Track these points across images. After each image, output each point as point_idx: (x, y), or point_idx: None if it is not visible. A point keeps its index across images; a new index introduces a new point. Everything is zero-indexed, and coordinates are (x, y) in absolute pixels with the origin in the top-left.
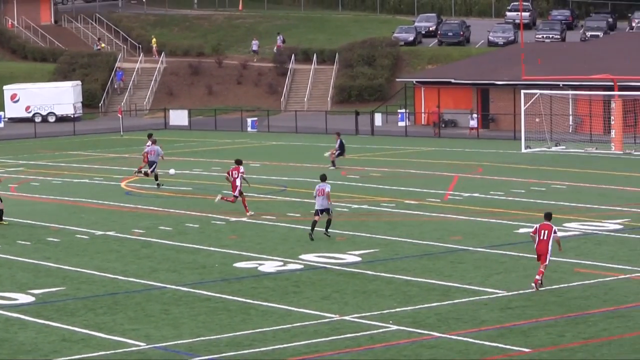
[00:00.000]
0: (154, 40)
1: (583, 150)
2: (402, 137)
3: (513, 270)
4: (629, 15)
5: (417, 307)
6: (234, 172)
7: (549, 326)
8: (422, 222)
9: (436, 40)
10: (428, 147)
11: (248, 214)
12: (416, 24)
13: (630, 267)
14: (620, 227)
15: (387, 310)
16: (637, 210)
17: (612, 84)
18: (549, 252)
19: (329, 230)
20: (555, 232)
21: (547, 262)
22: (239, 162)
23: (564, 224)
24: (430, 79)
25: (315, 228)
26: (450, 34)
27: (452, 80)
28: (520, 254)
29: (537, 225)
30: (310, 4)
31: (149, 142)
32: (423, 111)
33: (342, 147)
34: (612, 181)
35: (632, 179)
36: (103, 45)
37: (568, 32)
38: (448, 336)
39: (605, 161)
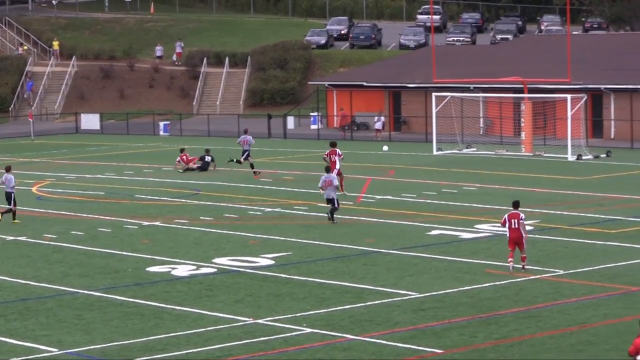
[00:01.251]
0: (55, 43)
1: (494, 153)
2: (315, 140)
3: (425, 272)
4: (538, 18)
5: (330, 309)
6: (331, 155)
7: (461, 327)
8: (335, 224)
9: (348, 44)
10: (340, 149)
11: (342, 192)
12: (328, 27)
13: (540, 268)
14: (530, 228)
15: (301, 313)
16: (547, 212)
17: (522, 86)
18: (524, 237)
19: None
20: (522, 219)
21: (525, 247)
22: (333, 145)
23: (475, 226)
24: (342, 82)
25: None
26: (362, 37)
27: (364, 83)
28: (432, 256)
29: (506, 216)
30: (222, 8)
31: (243, 134)
32: (335, 114)
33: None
34: (522, 183)
35: (542, 181)
36: (25, 47)
37: (478, 35)
38: (361, 338)
39: (516, 163)
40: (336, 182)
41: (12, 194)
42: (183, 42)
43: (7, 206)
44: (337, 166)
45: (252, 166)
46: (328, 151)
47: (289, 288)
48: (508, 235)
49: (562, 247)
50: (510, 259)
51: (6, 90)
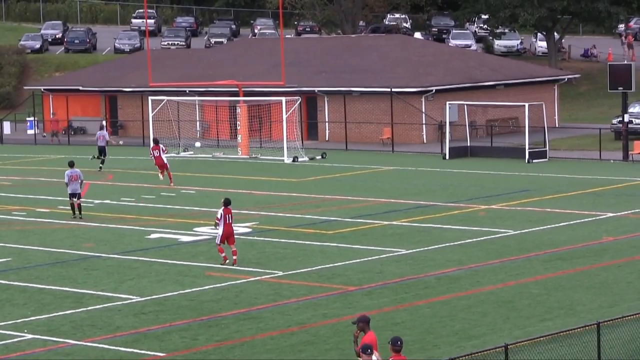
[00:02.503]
0: None
1: (211, 156)
2: (32, 145)
3: (145, 276)
4: (252, 22)
5: (51, 315)
6: (154, 150)
7: (182, 330)
8: (54, 229)
9: (63, 48)
10: (58, 154)
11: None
12: (42, 31)
13: (259, 270)
14: (249, 230)
15: (22, 319)
16: (264, 214)
17: (237, 89)
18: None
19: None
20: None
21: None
22: (156, 141)
23: (194, 229)
24: (58, 86)
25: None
26: (76, 41)
27: (80, 88)
28: (153, 259)
29: (221, 211)
30: None
31: None
32: (51, 119)
33: None
34: (240, 185)
35: (259, 183)
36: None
37: (193, 39)
38: (83, 343)
39: (233, 165)
40: (82, 177)
41: None
42: None
43: None
44: (165, 160)
45: None
46: (152, 146)
47: (9, 294)
48: (223, 230)
49: (280, 248)
50: (223, 253)
51: None
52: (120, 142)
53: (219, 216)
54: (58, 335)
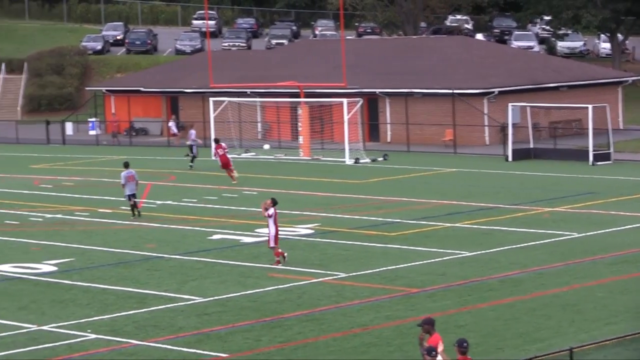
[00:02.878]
0: None
1: (273, 157)
2: (94, 145)
3: (208, 277)
4: (312, 23)
5: (114, 315)
6: (218, 149)
7: (245, 331)
8: (116, 230)
9: (124, 49)
10: (119, 155)
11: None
12: (104, 32)
13: (322, 271)
14: (312, 231)
15: (85, 319)
16: (326, 215)
17: (298, 90)
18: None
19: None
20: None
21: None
22: (217, 140)
23: (257, 230)
24: (119, 87)
25: None
26: (137, 42)
27: (142, 89)
28: (215, 260)
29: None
30: None
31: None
32: (114, 120)
33: None
34: (301, 187)
35: (321, 184)
36: None
37: (254, 40)
38: (146, 343)
39: (295, 167)
40: (137, 177)
41: None
42: None
43: None
44: (229, 158)
45: None
46: (215, 146)
47: (72, 294)
48: (275, 230)
49: (342, 250)
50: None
51: None
52: (266, 147)
53: (271, 212)
54: (121, 335)
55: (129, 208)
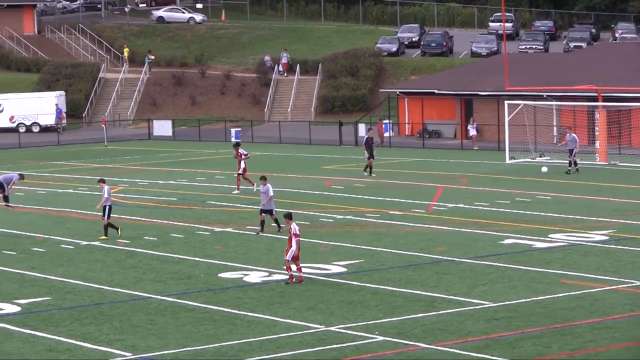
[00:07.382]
0: (126, 50)
1: (567, 162)
2: (386, 147)
3: (498, 282)
4: (612, 26)
5: (402, 317)
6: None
7: (534, 337)
8: (406, 232)
9: (419, 51)
10: (412, 157)
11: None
12: (399, 34)
13: (616, 279)
14: (606, 238)
15: (373, 321)
16: (622, 221)
17: (595, 94)
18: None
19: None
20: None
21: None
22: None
23: (550, 235)
24: (413, 89)
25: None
26: (433, 44)
27: (436, 91)
28: (506, 265)
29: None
30: (293, 15)
31: None
32: (407, 122)
33: None
34: (597, 192)
35: (617, 190)
36: (152, 57)
37: (551, 43)
38: (434, 347)
39: (590, 172)
40: (271, 193)
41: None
42: (287, 52)
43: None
44: (243, 165)
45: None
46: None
47: (360, 296)
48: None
49: (638, 257)
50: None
51: (79, 96)
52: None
53: (297, 232)
54: (409, 338)
55: (421, 211)
